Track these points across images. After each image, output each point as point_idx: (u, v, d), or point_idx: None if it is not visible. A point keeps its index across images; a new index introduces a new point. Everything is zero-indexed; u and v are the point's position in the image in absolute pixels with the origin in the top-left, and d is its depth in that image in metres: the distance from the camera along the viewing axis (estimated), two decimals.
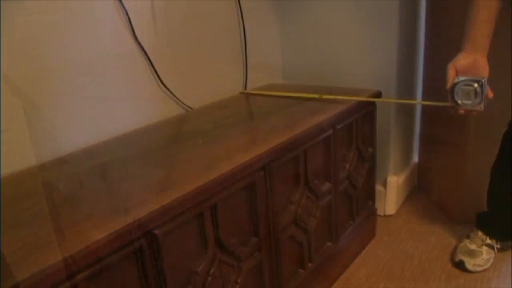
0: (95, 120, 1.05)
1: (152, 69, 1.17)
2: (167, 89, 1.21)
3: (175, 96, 1.24)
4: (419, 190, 1.83)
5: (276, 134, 0.98)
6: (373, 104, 1.32)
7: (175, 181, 0.78)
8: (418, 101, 1.14)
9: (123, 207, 0.70)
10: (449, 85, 1.04)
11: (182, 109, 1.28)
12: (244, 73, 1.47)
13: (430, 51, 1.66)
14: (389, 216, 1.64)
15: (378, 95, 1.34)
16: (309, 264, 1.12)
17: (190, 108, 1.29)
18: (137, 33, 1.10)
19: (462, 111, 1.06)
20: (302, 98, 1.28)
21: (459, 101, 1.04)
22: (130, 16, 1.08)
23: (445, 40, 1.50)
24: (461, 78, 1.03)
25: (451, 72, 1.05)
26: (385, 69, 1.49)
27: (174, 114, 1.25)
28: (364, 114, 1.28)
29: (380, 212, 1.63)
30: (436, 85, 1.58)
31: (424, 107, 1.76)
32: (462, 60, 1.04)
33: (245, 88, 1.48)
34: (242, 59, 1.46)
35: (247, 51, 1.46)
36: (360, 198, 1.36)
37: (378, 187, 1.58)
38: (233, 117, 1.15)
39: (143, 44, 1.12)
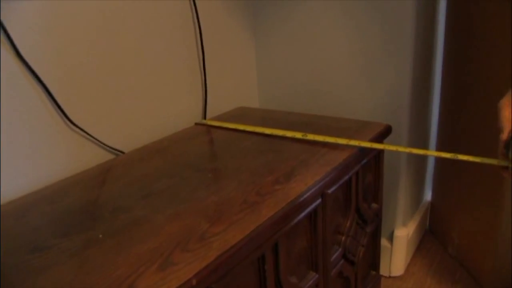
0: None
1: (52, 101, 0.77)
2: (77, 127, 0.82)
3: (92, 136, 0.85)
4: (431, 237, 1.46)
5: (228, 223, 0.59)
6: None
7: None
8: (452, 154, 0.75)
9: None
10: (505, 135, 0.66)
11: (112, 153, 0.90)
12: (202, 97, 1.08)
13: (450, 70, 1.29)
14: (396, 277, 1.27)
15: (387, 131, 0.96)
16: None
17: (121, 152, 0.90)
18: (20, 48, 0.71)
19: None
20: (278, 137, 0.90)
21: None
22: (6, 23, 0.68)
23: (470, 60, 1.13)
24: None
25: (506, 114, 0.67)
26: (395, 94, 1.10)
27: (99, 161, 0.86)
28: (367, 161, 0.90)
29: (384, 272, 1.26)
30: (456, 113, 1.21)
31: (440, 130, 1.39)
32: None
33: (204, 117, 1.09)
34: (200, 77, 1.07)
35: (206, 67, 1.06)
36: (360, 271, 0.98)
37: (383, 242, 1.21)
38: (170, 177, 0.76)
39: (32, 64, 0.73)
